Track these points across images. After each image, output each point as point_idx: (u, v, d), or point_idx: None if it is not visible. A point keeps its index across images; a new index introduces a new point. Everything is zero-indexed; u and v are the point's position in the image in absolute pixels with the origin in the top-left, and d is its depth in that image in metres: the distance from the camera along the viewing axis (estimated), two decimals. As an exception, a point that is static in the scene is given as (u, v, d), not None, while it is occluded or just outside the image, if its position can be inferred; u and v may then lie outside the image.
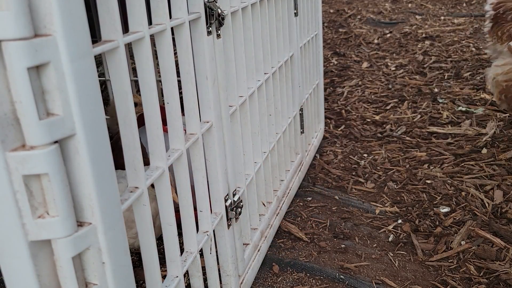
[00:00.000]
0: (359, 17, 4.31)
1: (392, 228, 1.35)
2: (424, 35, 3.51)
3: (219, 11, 0.82)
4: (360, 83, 2.63)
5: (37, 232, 0.48)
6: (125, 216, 0.58)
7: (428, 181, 1.57)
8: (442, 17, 4.12)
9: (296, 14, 1.41)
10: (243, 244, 1.10)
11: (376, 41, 3.48)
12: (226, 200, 0.96)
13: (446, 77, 2.60)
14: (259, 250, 1.18)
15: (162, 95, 0.76)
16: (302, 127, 1.55)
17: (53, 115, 0.47)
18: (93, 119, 0.50)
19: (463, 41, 3.28)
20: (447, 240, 1.27)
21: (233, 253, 1.00)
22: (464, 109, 2.15)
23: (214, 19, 0.82)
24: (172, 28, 0.71)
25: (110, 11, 0.56)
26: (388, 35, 3.65)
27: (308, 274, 1.17)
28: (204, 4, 0.80)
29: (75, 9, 0.47)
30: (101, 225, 0.52)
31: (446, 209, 1.41)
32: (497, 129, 1.90)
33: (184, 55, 0.77)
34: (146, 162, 0.65)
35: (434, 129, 1.97)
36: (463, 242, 1.26)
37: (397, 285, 1.12)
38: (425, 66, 2.82)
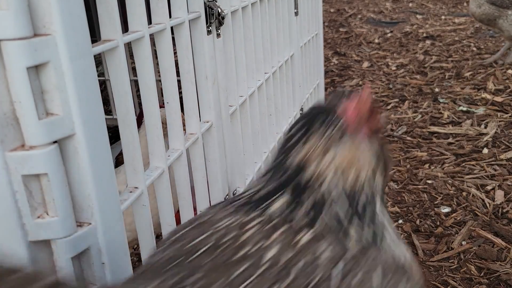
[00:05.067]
0: (359, 16, 4.30)
1: (393, 228, 1.34)
2: (425, 35, 3.50)
3: (219, 11, 0.82)
4: (360, 82, 2.62)
5: (37, 232, 0.48)
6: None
7: (429, 181, 1.56)
8: (443, 17, 4.11)
9: (296, 14, 1.41)
10: (243, 244, 1.09)
11: (376, 40, 3.48)
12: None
13: (447, 77, 2.59)
14: (259, 250, 1.17)
15: (162, 95, 0.75)
16: (302, 127, 1.55)
17: (53, 115, 0.47)
18: (93, 119, 0.50)
19: (464, 41, 3.28)
20: (448, 240, 1.27)
21: (233, 253, 0.99)
22: (465, 109, 2.15)
23: (214, 18, 0.81)
24: (172, 28, 0.71)
25: (109, 10, 0.56)
26: (389, 34, 3.64)
27: (308, 274, 1.17)
28: (204, 3, 0.80)
29: (75, 9, 0.47)
30: (101, 225, 0.52)
31: (447, 209, 1.41)
32: (498, 129, 1.90)
33: (184, 54, 0.77)
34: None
35: (435, 129, 1.96)
36: (464, 242, 1.26)
37: (398, 285, 1.11)
38: (426, 65, 2.81)
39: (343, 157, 0.52)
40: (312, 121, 0.54)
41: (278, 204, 0.49)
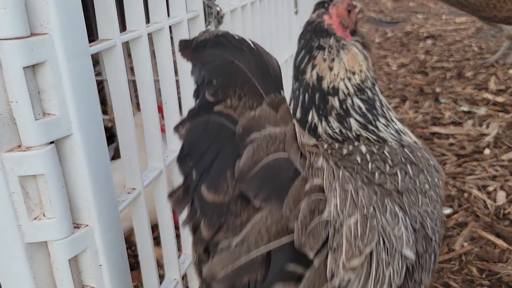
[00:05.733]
0: (360, 16, 4.28)
1: (394, 229, 1.33)
2: (425, 35, 3.49)
3: (218, 10, 0.82)
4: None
5: (33, 233, 0.47)
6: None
7: (430, 182, 1.55)
8: (444, 16, 4.09)
9: (296, 13, 1.40)
10: (243, 245, 1.09)
11: (377, 40, 3.47)
12: (225, 201, 0.95)
13: (448, 77, 2.58)
14: (259, 251, 1.17)
15: (160, 95, 0.75)
16: (302, 127, 1.54)
17: (49, 115, 0.46)
18: (90, 119, 0.49)
19: (465, 41, 3.26)
20: (449, 242, 1.26)
21: (233, 254, 0.99)
22: (466, 109, 2.14)
23: (213, 17, 0.81)
24: (170, 27, 0.71)
25: (107, 9, 0.55)
26: (390, 34, 3.63)
27: (308, 275, 1.16)
28: (203, 2, 0.79)
29: (72, 8, 0.46)
30: (98, 227, 0.51)
31: (448, 211, 1.40)
32: (499, 129, 1.89)
33: (183, 54, 0.76)
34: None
35: (436, 129, 1.95)
36: (465, 244, 1.25)
37: (399, 287, 1.11)
38: (426, 65, 2.80)
39: (346, 61, 0.73)
40: (310, 47, 0.73)
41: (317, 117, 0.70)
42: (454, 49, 3.09)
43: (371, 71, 0.77)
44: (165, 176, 0.70)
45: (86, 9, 0.50)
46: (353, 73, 0.73)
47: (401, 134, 0.74)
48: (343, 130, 0.70)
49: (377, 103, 0.74)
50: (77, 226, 0.50)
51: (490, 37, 3.32)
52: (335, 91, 0.71)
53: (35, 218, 0.47)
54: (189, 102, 0.81)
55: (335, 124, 0.70)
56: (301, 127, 0.67)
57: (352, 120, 0.70)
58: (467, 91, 2.35)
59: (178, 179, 0.79)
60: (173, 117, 0.74)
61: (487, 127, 1.93)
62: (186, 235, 0.82)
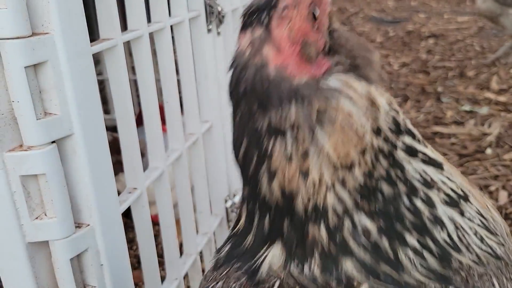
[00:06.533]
0: (361, 15, 4.28)
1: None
2: (427, 34, 3.48)
3: (219, 9, 0.82)
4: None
5: (35, 233, 0.47)
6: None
7: (432, 181, 1.55)
8: (446, 16, 4.08)
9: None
10: (244, 245, 1.09)
11: (378, 39, 3.46)
12: (226, 201, 0.95)
13: (450, 76, 2.58)
14: (260, 250, 1.17)
15: (161, 94, 0.75)
16: (304, 126, 1.54)
17: (51, 115, 0.46)
18: (91, 118, 0.49)
19: (467, 40, 3.25)
20: (450, 241, 1.25)
21: (234, 254, 0.99)
22: (468, 108, 2.13)
23: (214, 17, 0.81)
24: (171, 26, 0.71)
25: (108, 8, 0.55)
26: (391, 33, 3.62)
27: (309, 275, 1.16)
28: (204, 2, 0.79)
29: (73, 7, 0.46)
30: (100, 226, 0.51)
31: (450, 210, 1.40)
32: (501, 129, 1.88)
33: (183, 53, 0.76)
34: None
35: (438, 129, 1.95)
36: (467, 243, 1.25)
37: None
38: (428, 65, 2.79)
39: (331, 147, 0.34)
40: (255, 133, 0.35)
41: (276, 259, 0.35)
42: (456, 49, 3.08)
43: (387, 116, 0.36)
44: (167, 176, 0.70)
45: (87, 8, 0.50)
46: (349, 167, 0.35)
47: (451, 260, 0.36)
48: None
49: (404, 199, 0.36)
50: (78, 225, 0.50)
51: (492, 36, 3.31)
52: (319, 213, 0.35)
53: (37, 218, 0.47)
54: (190, 102, 0.80)
55: (315, 270, 0.35)
56: (251, 278, 0.34)
57: (348, 264, 0.35)
58: (469, 90, 2.35)
59: (179, 179, 0.79)
60: (174, 117, 0.74)
61: (489, 126, 1.92)
62: (187, 235, 0.82)
